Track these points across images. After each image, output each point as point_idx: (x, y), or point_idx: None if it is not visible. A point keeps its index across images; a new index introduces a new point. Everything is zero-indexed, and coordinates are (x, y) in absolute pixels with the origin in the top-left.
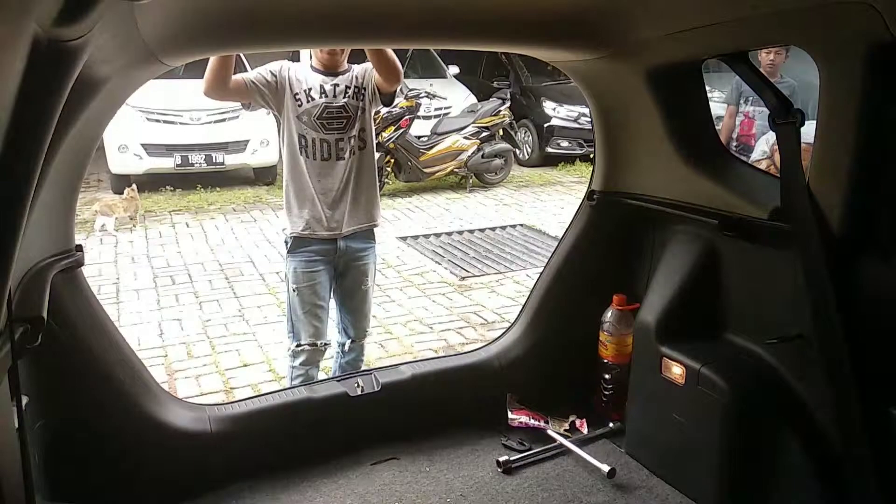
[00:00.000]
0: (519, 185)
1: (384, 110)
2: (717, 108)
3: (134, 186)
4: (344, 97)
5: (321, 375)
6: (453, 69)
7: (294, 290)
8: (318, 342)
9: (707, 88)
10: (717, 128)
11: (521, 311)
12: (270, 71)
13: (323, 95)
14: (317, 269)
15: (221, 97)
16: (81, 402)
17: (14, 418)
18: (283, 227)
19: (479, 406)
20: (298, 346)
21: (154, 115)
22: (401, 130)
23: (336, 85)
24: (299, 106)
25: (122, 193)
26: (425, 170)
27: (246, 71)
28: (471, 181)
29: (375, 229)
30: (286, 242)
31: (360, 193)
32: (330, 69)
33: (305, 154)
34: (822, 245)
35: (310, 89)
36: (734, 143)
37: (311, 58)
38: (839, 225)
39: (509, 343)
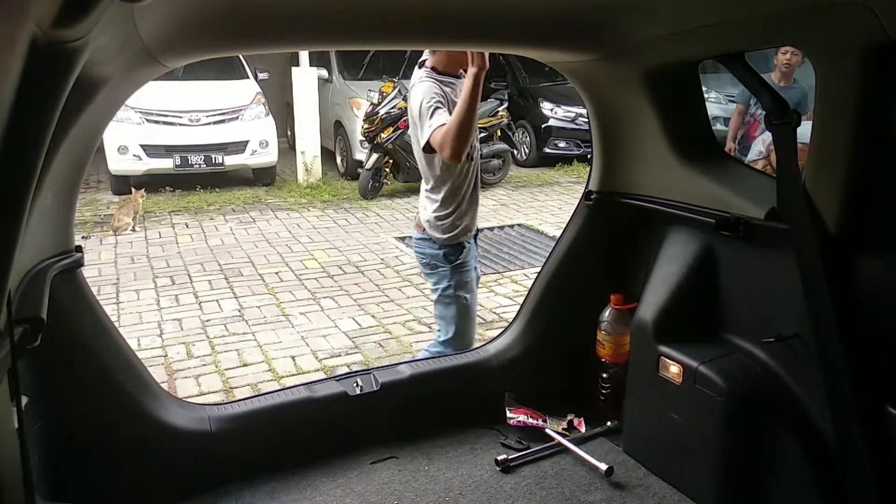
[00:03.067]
0: (517, 186)
1: (383, 111)
2: (714, 108)
3: (143, 191)
4: None
5: (389, 360)
6: None
7: (465, 301)
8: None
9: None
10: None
11: (519, 311)
12: (437, 98)
13: None
14: (472, 277)
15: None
16: (81, 402)
17: (14, 418)
18: (435, 239)
19: (477, 405)
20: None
21: (153, 117)
22: (399, 131)
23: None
24: None
25: (121, 195)
26: None
27: (246, 73)
28: None
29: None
30: (445, 255)
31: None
32: (457, 72)
33: (470, 157)
34: (818, 244)
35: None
36: (736, 143)
37: (431, 67)
38: (835, 224)
39: (507, 342)
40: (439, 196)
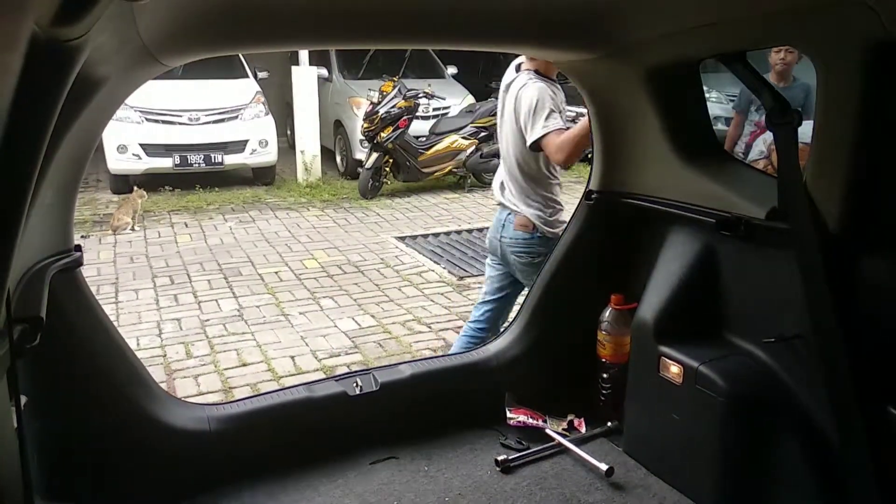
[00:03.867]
0: None
1: (382, 110)
2: (715, 108)
3: (142, 190)
4: None
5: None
6: (451, 69)
7: None
8: None
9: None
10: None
11: (518, 311)
12: (553, 101)
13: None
14: None
15: None
16: (80, 401)
17: (13, 418)
18: (549, 235)
19: (477, 405)
20: None
21: (153, 116)
22: (399, 130)
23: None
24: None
25: (120, 194)
26: (424, 170)
27: (246, 72)
28: (469, 181)
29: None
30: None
31: None
32: (554, 76)
33: None
34: (819, 244)
35: (562, 101)
36: (741, 152)
37: (535, 70)
38: (836, 224)
39: (507, 342)
40: (540, 196)
